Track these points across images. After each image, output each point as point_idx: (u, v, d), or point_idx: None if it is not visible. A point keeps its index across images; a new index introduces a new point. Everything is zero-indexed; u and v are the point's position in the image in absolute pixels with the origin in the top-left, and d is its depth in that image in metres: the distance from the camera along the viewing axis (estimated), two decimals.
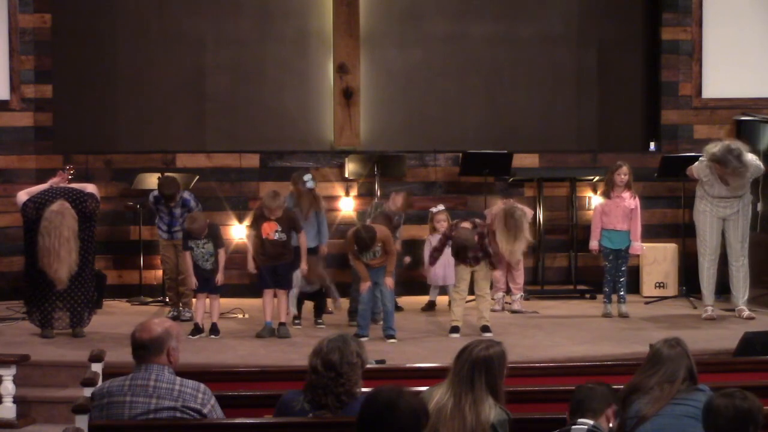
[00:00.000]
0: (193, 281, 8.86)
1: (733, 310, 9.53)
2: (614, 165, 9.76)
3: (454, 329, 8.71)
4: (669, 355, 4.78)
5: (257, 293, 9.04)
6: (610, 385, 4.54)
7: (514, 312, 9.94)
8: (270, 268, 8.79)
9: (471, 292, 8.95)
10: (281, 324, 8.74)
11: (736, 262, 9.47)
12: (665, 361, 4.77)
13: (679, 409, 4.65)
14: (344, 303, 9.46)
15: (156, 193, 9.65)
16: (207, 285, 8.83)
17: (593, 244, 9.75)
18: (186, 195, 9.67)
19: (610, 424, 4.35)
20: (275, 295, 8.79)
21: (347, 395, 4.65)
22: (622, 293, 9.69)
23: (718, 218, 9.41)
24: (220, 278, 8.86)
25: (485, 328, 8.66)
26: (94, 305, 8.87)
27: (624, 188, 9.66)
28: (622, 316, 9.58)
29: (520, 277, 10.11)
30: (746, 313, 9.41)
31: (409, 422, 3.79)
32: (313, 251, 9.61)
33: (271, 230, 8.76)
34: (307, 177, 9.52)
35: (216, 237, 8.91)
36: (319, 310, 9.33)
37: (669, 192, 11.19)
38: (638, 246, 9.75)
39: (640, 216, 9.72)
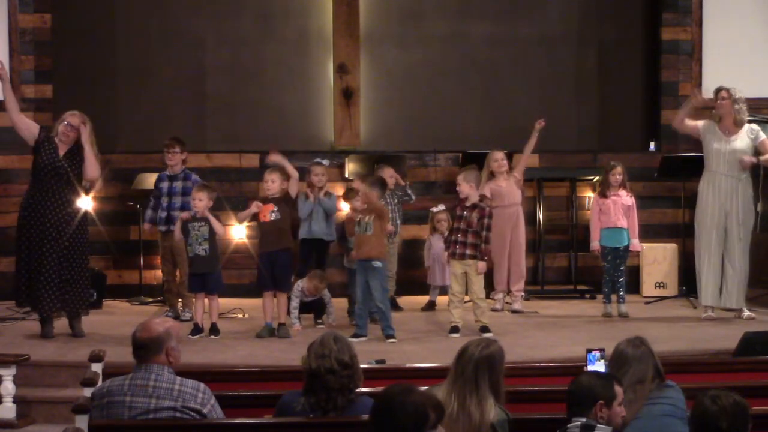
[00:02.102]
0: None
1: (733, 311, 9.51)
2: (608, 165, 9.78)
3: (454, 329, 8.70)
4: (635, 356, 4.76)
5: (257, 293, 9.03)
6: (600, 374, 4.51)
7: (514, 312, 9.94)
8: (268, 260, 8.72)
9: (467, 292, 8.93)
10: (281, 324, 8.72)
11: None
12: (632, 362, 4.73)
13: (656, 409, 4.65)
14: (344, 303, 9.46)
15: (160, 174, 9.65)
16: (204, 285, 8.81)
17: (594, 245, 9.75)
18: (190, 172, 9.67)
19: (601, 416, 4.33)
20: (275, 296, 8.78)
21: (355, 393, 4.66)
22: (621, 293, 9.68)
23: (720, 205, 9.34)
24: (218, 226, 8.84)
25: (484, 329, 8.64)
26: (87, 304, 8.76)
27: (619, 187, 9.68)
28: (622, 316, 9.57)
29: (521, 280, 10.09)
30: (746, 313, 9.39)
31: (409, 420, 3.78)
32: (326, 246, 9.58)
33: (267, 211, 8.68)
34: (321, 160, 9.72)
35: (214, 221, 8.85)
36: (319, 311, 9.31)
37: (669, 192, 11.20)
38: (637, 243, 9.75)
39: (636, 214, 9.72)
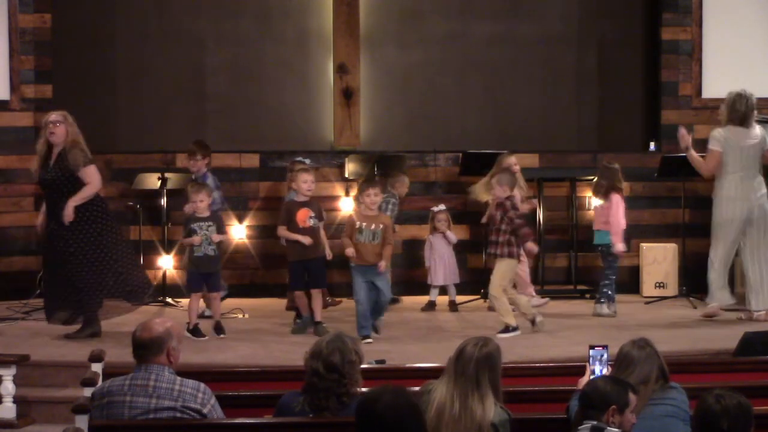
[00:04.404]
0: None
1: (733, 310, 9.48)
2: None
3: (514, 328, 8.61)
4: (639, 357, 4.77)
5: (257, 293, 9.00)
6: (616, 380, 4.51)
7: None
8: (301, 264, 8.66)
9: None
10: (317, 323, 8.62)
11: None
12: (637, 363, 4.75)
13: (659, 410, 4.66)
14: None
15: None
16: (206, 284, 8.72)
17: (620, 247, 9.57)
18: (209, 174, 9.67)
19: (612, 422, 4.33)
20: (308, 294, 8.71)
21: (348, 396, 4.66)
22: (606, 291, 9.62)
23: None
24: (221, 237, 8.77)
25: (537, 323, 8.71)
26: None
27: None
28: (607, 316, 9.52)
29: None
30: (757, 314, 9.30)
31: (391, 417, 3.80)
32: None
33: (306, 216, 8.60)
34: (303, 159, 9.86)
35: (219, 222, 8.81)
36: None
37: (669, 192, 11.19)
38: (619, 246, 9.62)
39: (616, 214, 9.59)
